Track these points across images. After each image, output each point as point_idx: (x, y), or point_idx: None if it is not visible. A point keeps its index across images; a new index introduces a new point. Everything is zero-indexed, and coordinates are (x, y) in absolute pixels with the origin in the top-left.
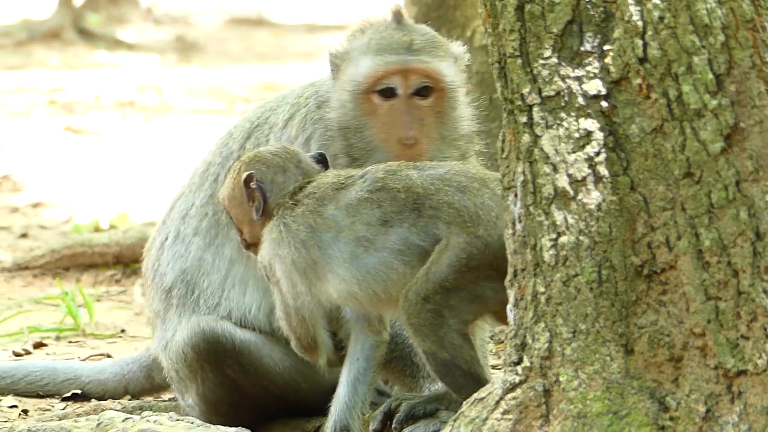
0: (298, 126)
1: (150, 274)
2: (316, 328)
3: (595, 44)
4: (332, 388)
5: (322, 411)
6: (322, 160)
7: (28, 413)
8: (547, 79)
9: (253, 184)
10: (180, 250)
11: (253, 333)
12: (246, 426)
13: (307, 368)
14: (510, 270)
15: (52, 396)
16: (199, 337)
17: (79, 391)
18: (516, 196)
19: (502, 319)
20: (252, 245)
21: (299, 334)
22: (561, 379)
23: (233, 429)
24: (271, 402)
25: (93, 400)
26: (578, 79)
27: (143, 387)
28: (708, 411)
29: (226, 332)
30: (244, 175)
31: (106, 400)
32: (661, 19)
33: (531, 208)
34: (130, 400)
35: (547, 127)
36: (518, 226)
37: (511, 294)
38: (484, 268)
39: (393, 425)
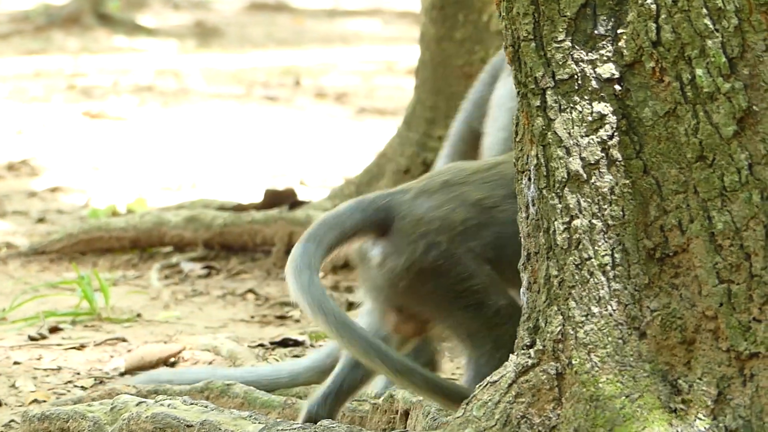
0: None
1: None
2: None
3: (609, 27)
4: None
5: None
6: None
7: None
8: (560, 63)
9: None
10: None
11: None
12: None
13: None
14: (523, 253)
15: None
16: None
17: None
18: (529, 179)
19: None
20: None
21: None
22: (574, 362)
23: (246, 413)
24: None
25: (109, 384)
26: (592, 62)
27: None
28: (720, 394)
29: None
30: None
31: None
32: (675, 2)
33: (544, 192)
34: None
35: (561, 110)
36: (531, 210)
37: (524, 277)
38: None
39: None
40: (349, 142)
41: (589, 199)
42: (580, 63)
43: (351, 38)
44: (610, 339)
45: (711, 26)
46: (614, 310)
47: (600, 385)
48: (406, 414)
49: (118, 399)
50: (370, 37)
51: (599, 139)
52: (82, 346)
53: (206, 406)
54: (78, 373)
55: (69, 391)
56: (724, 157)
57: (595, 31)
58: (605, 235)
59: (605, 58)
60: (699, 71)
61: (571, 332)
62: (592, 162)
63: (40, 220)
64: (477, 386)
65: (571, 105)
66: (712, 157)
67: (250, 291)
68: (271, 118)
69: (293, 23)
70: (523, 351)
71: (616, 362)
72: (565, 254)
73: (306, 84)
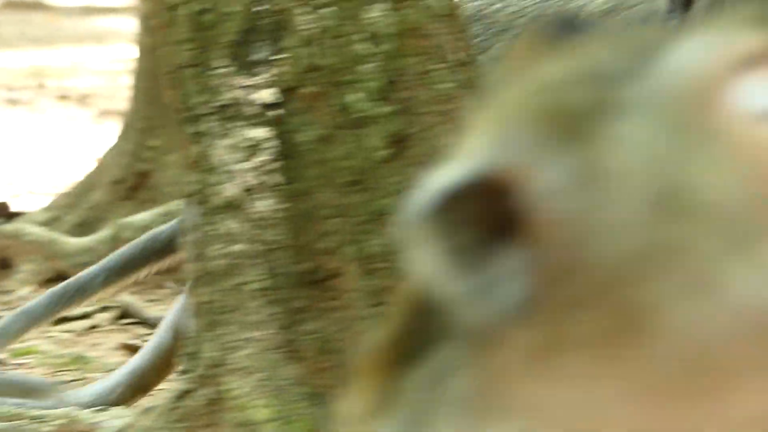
0: None
1: None
2: None
3: (268, 53)
4: None
5: None
6: None
7: None
8: (219, 89)
9: None
10: None
11: None
12: None
13: None
14: (186, 279)
15: None
16: None
17: None
18: (191, 205)
19: None
20: None
21: None
22: (230, 386)
23: None
24: None
25: None
26: (250, 88)
27: None
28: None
29: None
30: None
31: None
32: (331, 27)
33: (204, 217)
34: None
35: (219, 136)
36: (193, 235)
37: (187, 303)
38: None
39: None
40: (87, 146)
41: (246, 224)
42: (239, 89)
43: (104, 36)
44: (266, 363)
45: (366, 51)
46: (271, 335)
47: (255, 409)
48: None
49: None
50: (125, 36)
51: (257, 165)
52: None
53: None
54: None
55: None
56: (377, 181)
57: (255, 57)
58: (262, 260)
59: (264, 84)
60: (354, 96)
61: (228, 357)
62: (250, 187)
63: None
64: (134, 412)
65: (229, 131)
66: (366, 181)
67: None
68: (11, 122)
69: (48, 22)
70: (181, 376)
71: (272, 386)
72: (222, 279)
73: (51, 85)
